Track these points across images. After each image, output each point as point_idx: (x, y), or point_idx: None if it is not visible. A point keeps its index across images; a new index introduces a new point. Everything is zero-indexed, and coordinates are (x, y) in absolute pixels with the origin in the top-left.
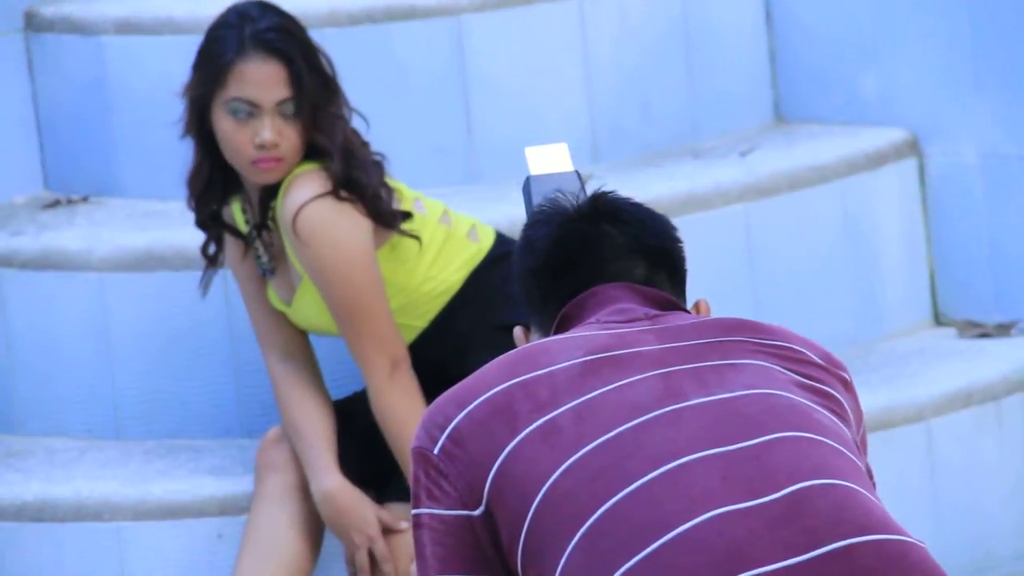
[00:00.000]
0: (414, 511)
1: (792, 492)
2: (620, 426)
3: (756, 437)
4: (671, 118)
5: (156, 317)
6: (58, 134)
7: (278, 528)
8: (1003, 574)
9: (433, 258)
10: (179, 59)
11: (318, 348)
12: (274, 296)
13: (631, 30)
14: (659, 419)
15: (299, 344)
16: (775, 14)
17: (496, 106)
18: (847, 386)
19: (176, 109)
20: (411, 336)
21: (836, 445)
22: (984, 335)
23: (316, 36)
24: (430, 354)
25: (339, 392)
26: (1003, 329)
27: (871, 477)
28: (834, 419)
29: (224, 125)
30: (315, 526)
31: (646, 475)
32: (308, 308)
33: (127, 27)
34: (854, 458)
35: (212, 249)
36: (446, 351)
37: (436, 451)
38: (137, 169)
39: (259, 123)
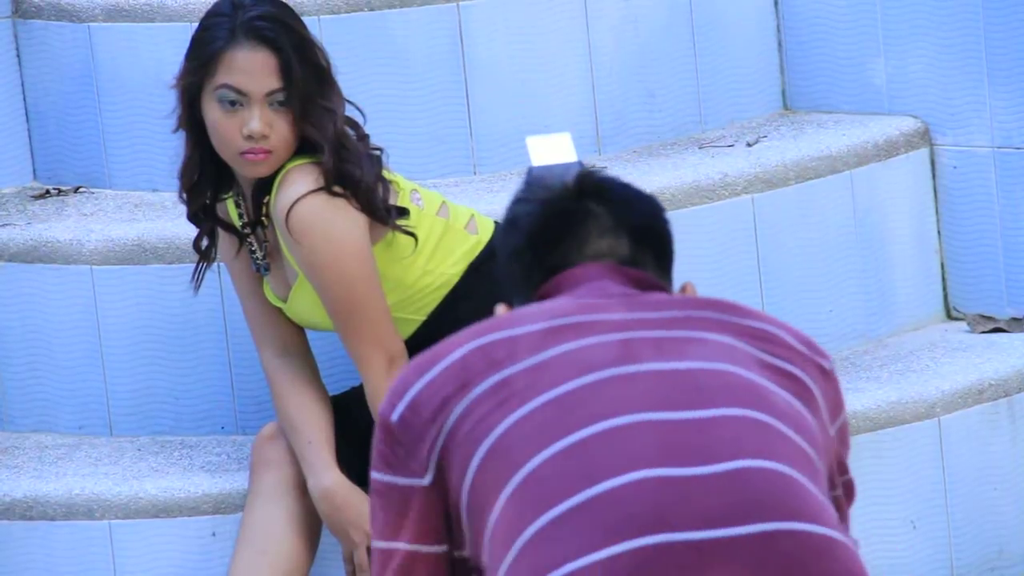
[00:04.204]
0: (371, 475)
1: (730, 468)
2: (570, 383)
3: (704, 409)
4: (676, 107)
5: (148, 311)
6: (47, 123)
7: (274, 525)
8: (1018, 573)
9: (431, 252)
10: (171, 47)
11: (314, 344)
12: (270, 292)
13: (635, 17)
14: (611, 380)
15: (295, 339)
16: (783, 1)
17: (497, 95)
18: (824, 374)
19: (168, 98)
20: (409, 329)
21: (786, 430)
22: (996, 329)
23: (312, 24)
24: (428, 348)
25: (336, 388)
26: (1016, 323)
27: (845, 472)
28: (795, 403)
29: (213, 115)
30: (312, 523)
31: (585, 429)
32: (304, 304)
33: (117, 14)
34: (804, 445)
35: (204, 243)
36: None
37: (394, 419)
38: (128, 159)
39: (248, 113)
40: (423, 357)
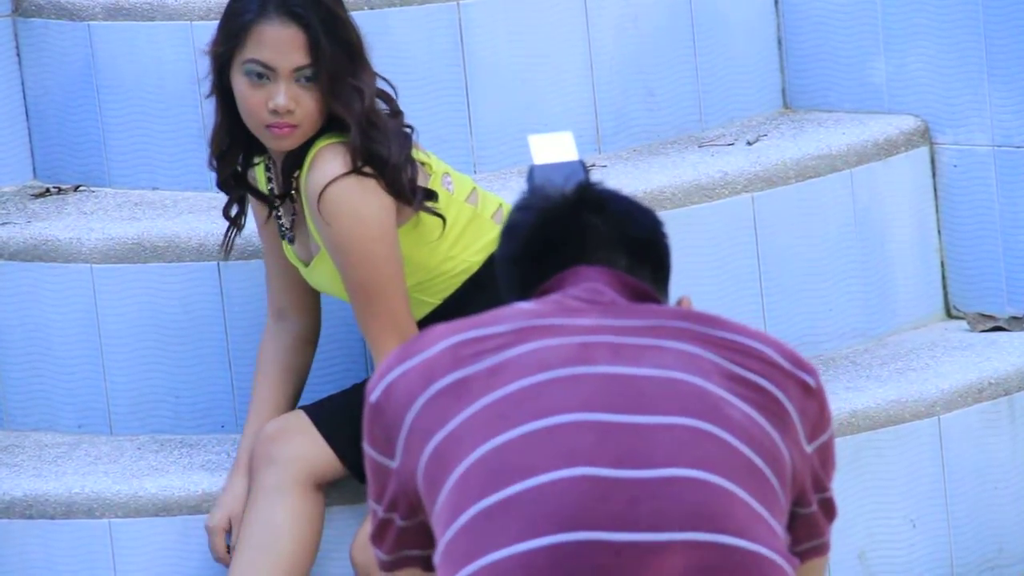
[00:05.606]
0: (363, 443)
1: (662, 475)
2: (523, 380)
3: (647, 414)
4: (676, 106)
5: (148, 309)
6: (47, 122)
7: (275, 523)
8: (1018, 572)
9: (456, 238)
10: (171, 46)
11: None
12: (292, 253)
13: (635, 15)
14: (560, 379)
15: (297, 308)
16: None
17: (497, 94)
18: (807, 390)
19: (169, 96)
20: (423, 311)
21: (734, 442)
22: (996, 328)
23: None
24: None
25: (343, 378)
26: (1016, 322)
27: (823, 490)
28: (757, 416)
29: (240, 87)
30: (314, 522)
31: (525, 425)
32: (323, 275)
33: (117, 12)
34: (754, 458)
35: (234, 211)
36: None
37: (372, 400)
38: (128, 158)
39: (274, 87)
40: (410, 343)
